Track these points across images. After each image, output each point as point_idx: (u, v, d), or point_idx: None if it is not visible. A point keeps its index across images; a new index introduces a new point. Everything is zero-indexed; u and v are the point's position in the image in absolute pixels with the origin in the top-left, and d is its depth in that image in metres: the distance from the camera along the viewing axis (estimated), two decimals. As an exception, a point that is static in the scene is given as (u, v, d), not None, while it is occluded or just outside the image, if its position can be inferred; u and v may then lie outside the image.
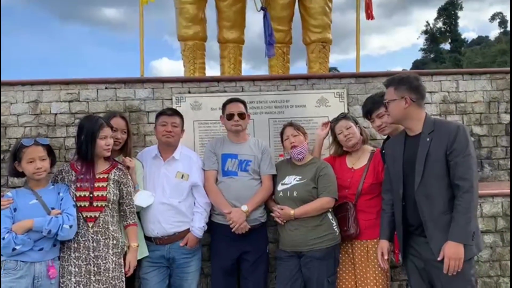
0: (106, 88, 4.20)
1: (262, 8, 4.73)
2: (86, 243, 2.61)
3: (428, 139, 2.47)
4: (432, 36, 44.91)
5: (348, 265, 3.05)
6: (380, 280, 2.92)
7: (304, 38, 5.03)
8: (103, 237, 2.64)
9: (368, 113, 3.06)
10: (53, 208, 2.56)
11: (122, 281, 2.69)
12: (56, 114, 4.14)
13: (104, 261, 2.62)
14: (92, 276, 2.59)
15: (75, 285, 2.56)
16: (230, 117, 3.19)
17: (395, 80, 2.59)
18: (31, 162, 2.55)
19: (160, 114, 3.19)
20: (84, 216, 2.64)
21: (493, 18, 51.22)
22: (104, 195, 2.67)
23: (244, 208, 2.99)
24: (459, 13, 44.44)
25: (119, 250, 2.70)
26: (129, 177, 2.88)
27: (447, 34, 43.60)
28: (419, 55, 47.75)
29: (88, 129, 2.68)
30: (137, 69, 4.74)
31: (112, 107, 4.13)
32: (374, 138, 4.04)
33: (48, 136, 3.99)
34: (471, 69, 5.67)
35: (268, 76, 4.57)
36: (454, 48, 40.88)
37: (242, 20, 4.96)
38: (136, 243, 2.81)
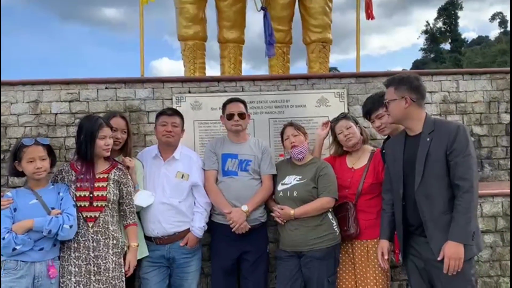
0: (106, 88, 4.20)
1: (262, 8, 4.74)
2: (86, 243, 2.61)
3: (428, 139, 2.47)
4: (432, 36, 44.89)
5: (348, 265, 3.05)
6: (380, 280, 2.92)
7: (304, 38, 5.04)
8: (103, 237, 2.64)
9: (367, 113, 3.06)
10: (53, 208, 2.57)
11: (122, 281, 2.69)
12: (56, 114, 4.14)
13: (104, 261, 2.62)
14: (92, 276, 2.59)
15: (75, 285, 2.56)
16: (230, 117, 3.19)
17: (395, 80, 2.59)
18: (31, 161, 2.55)
19: (160, 114, 3.19)
20: (84, 216, 2.64)
21: (493, 18, 51.28)
22: (104, 195, 2.67)
23: (244, 208, 2.99)
24: (459, 13, 44.46)
25: (119, 250, 2.70)
26: (129, 177, 2.88)
27: (447, 34, 43.57)
28: (419, 55, 47.84)
29: (87, 129, 2.68)
30: (137, 69, 4.75)
31: (112, 107, 4.13)
32: (374, 138, 4.05)
33: (48, 136, 3.99)
34: (471, 69, 5.67)
35: (268, 76, 4.57)
36: (454, 48, 40.85)
37: (242, 20, 4.96)
38: (136, 243, 2.81)
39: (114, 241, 2.67)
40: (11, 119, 4.12)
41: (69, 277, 2.57)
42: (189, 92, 4.22)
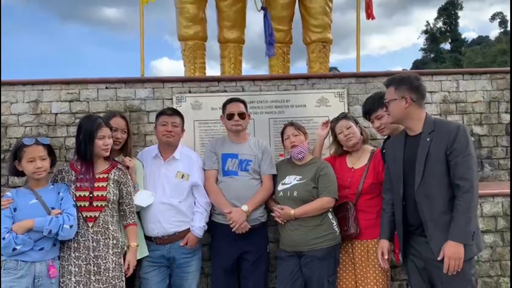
0: (106, 88, 4.20)
1: (262, 8, 4.74)
2: (86, 243, 2.61)
3: (428, 139, 2.47)
4: (432, 36, 44.86)
5: (349, 264, 3.05)
6: (381, 280, 2.92)
7: (304, 38, 5.04)
8: (103, 237, 2.64)
9: (367, 113, 3.06)
10: (53, 208, 2.56)
11: (122, 280, 2.69)
12: (56, 114, 4.14)
13: (104, 261, 2.62)
14: (92, 275, 2.59)
15: (75, 284, 2.56)
16: (230, 117, 3.19)
17: (395, 80, 2.59)
18: (31, 161, 2.55)
19: (160, 114, 3.19)
20: (84, 216, 2.64)
21: (493, 18, 51.21)
22: (104, 195, 2.67)
23: (245, 208, 2.99)
24: (459, 13, 44.40)
25: (119, 250, 2.70)
26: (129, 177, 2.87)
27: (447, 34, 43.53)
28: (419, 55, 47.79)
29: (86, 129, 2.69)
30: (137, 69, 4.74)
31: (113, 107, 4.13)
32: (375, 138, 4.05)
33: (49, 136, 3.99)
34: (471, 69, 5.68)
35: (268, 76, 4.57)
36: (454, 48, 40.82)
37: (243, 20, 4.97)
38: (135, 242, 2.81)
39: (114, 241, 2.67)
40: (11, 119, 4.12)
41: (69, 277, 2.57)
42: (189, 92, 4.22)
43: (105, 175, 2.73)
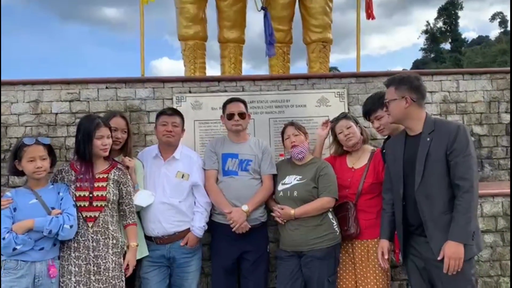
0: (106, 87, 4.20)
1: (262, 8, 4.74)
2: (86, 243, 2.61)
3: (428, 139, 2.47)
4: (433, 36, 44.86)
5: (349, 264, 3.05)
6: (381, 280, 2.92)
7: (304, 37, 5.04)
8: (103, 237, 2.64)
9: (366, 114, 3.06)
10: (53, 208, 2.56)
11: (122, 280, 2.69)
12: (56, 113, 4.14)
13: (104, 261, 2.62)
14: (92, 275, 2.59)
15: (75, 284, 2.56)
16: (230, 116, 3.19)
17: (395, 80, 2.59)
18: (31, 161, 2.55)
19: (160, 113, 3.19)
20: (84, 216, 2.64)
21: (493, 18, 51.17)
22: (104, 195, 2.67)
23: (245, 207, 2.99)
24: (460, 13, 44.42)
25: (118, 250, 2.70)
26: (129, 177, 2.87)
27: (448, 34, 43.54)
28: (419, 55, 47.78)
29: (84, 129, 2.69)
30: (138, 69, 4.74)
31: (113, 106, 4.13)
32: (375, 138, 4.05)
33: (49, 136, 4.00)
34: (471, 69, 5.69)
35: (268, 76, 4.58)
36: (455, 48, 40.82)
37: (243, 19, 4.97)
38: (135, 242, 2.80)
39: (114, 241, 2.67)
40: (11, 118, 4.12)
41: (69, 276, 2.57)
42: (190, 92, 4.22)
43: (105, 175, 2.73)
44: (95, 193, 2.66)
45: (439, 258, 2.36)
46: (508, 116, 4.47)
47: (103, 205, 2.66)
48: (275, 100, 4.23)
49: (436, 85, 4.41)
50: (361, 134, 3.19)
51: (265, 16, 4.68)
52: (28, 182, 2.65)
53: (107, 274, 2.61)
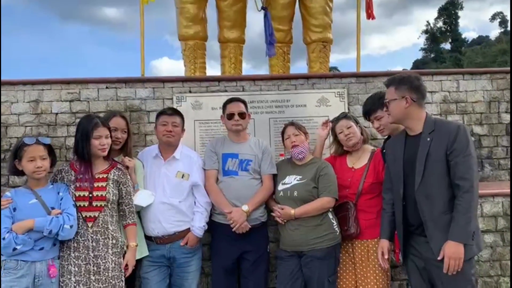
0: (106, 87, 4.20)
1: (262, 8, 4.74)
2: (85, 243, 2.61)
3: (428, 139, 2.47)
4: (433, 36, 44.83)
5: (349, 264, 3.05)
6: (381, 280, 2.92)
7: (304, 37, 5.04)
8: (103, 237, 2.64)
9: (366, 114, 3.06)
10: (52, 208, 2.56)
11: (122, 280, 2.69)
12: (57, 113, 4.15)
13: (104, 261, 2.62)
14: (91, 275, 2.59)
15: (75, 284, 2.56)
16: (230, 116, 3.19)
17: (396, 80, 2.59)
18: (31, 160, 2.55)
19: (160, 113, 3.19)
20: (84, 216, 2.64)
21: (493, 17, 51.13)
22: (104, 195, 2.67)
23: (245, 207, 2.99)
24: (460, 13, 44.39)
25: (118, 250, 2.70)
26: (128, 177, 2.87)
27: (448, 33, 43.51)
28: (419, 55, 47.76)
29: (83, 129, 2.69)
30: (138, 69, 4.74)
31: (113, 106, 4.14)
32: (375, 138, 4.05)
33: (49, 136, 4.00)
34: (471, 69, 5.69)
35: (268, 76, 4.58)
36: (455, 47, 40.80)
37: (243, 19, 4.97)
38: (135, 242, 2.80)
39: (114, 241, 2.67)
40: (11, 118, 4.12)
41: (69, 276, 2.57)
42: (190, 91, 4.22)
43: (105, 175, 2.73)
44: (94, 193, 2.66)
45: (439, 258, 2.36)
46: (508, 116, 4.47)
47: (103, 205, 2.66)
48: (275, 100, 4.23)
49: (436, 85, 4.41)
50: (361, 134, 3.19)
51: (265, 16, 4.67)
52: (28, 182, 2.65)
53: (106, 274, 2.61)
